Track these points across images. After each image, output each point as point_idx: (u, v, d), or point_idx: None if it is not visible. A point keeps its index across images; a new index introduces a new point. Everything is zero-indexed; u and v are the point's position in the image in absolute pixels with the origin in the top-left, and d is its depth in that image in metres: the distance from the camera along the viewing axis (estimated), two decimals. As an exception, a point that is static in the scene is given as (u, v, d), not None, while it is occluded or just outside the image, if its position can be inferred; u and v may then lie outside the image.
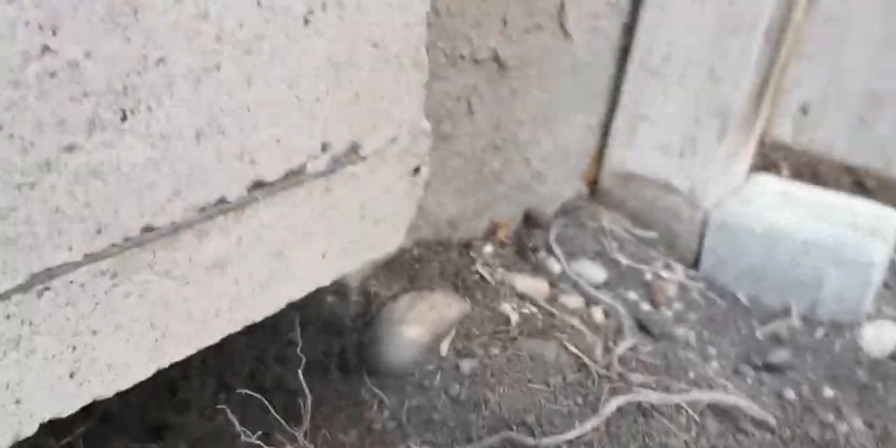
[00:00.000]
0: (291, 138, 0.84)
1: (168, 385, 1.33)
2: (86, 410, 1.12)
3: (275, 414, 1.03)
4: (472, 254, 1.44)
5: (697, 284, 1.60)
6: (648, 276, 1.61)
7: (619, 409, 1.10)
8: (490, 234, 1.55)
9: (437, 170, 1.35)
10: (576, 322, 1.35)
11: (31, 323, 0.67)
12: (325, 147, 0.88)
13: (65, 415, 0.74)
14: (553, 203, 1.71)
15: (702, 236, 1.70)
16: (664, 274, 1.63)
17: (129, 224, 0.71)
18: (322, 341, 1.35)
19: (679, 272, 1.67)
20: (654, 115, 1.69)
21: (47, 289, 0.67)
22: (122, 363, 0.77)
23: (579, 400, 1.15)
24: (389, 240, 1.06)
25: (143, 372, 0.80)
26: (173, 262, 0.77)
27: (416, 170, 1.04)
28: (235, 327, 0.88)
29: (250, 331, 1.42)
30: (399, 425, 1.17)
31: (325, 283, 0.99)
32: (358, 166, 0.94)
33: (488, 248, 1.48)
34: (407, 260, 1.37)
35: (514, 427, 1.12)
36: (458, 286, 1.35)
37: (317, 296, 1.35)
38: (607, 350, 1.27)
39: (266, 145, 0.81)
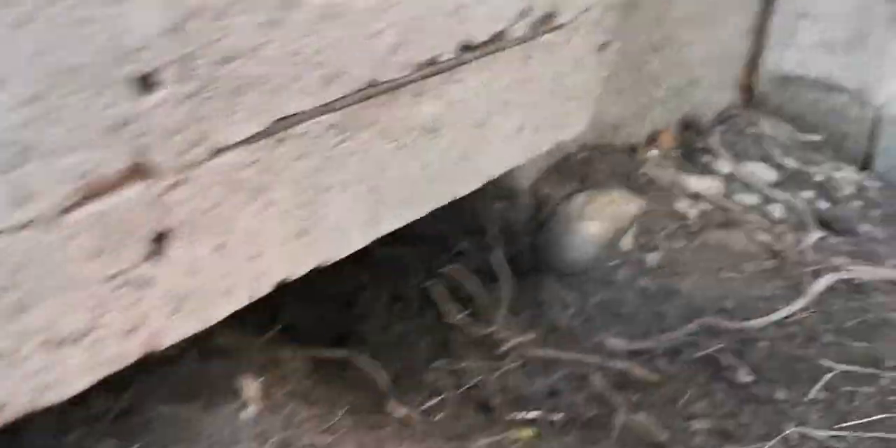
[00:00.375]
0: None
1: (344, 299, 1.34)
2: (270, 319, 1.14)
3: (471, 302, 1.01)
4: (638, 156, 1.40)
5: (874, 183, 1.52)
6: (820, 177, 1.53)
7: (829, 288, 1.05)
8: (652, 139, 1.49)
9: (603, 66, 1.30)
10: (756, 217, 1.29)
11: (272, 171, 0.67)
12: (525, 12, 0.85)
13: (294, 277, 0.74)
14: (709, 110, 1.64)
15: (872, 136, 1.61)
16: (836, 175, 1.55)
17: (357, 74, 0.70)
18: (493, 249, 1.33)
19: (851, 173, 1.58)
20: (816, 10, 1.59)
21: (285, 138, 0.67)
22: (345, 226, 0.77)
23: (779, 283, 1.10)
24: (577, 120, 1.03)
25: (360, 239, 0.79)
26: (393, 122, 0.76)
27: (604, 45, 1.00)
28: (442, 199, 0.87)
29: (418, 243, 1.42)
30: (586, 320, 1.15)
31: (521, 161, 0.96)
32: (554, 35, 0.90)
33: (653, 152, 1.43)
34: (574, 163, 1.33)
35: (713, 314, 1.07)
36: (631, 187, 1.31)
37: (483, 203, 1.33)
38: (797, 240, 1.21)
39: (475, 3, 0.78)
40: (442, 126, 0.81)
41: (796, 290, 1.08)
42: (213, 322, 0.69)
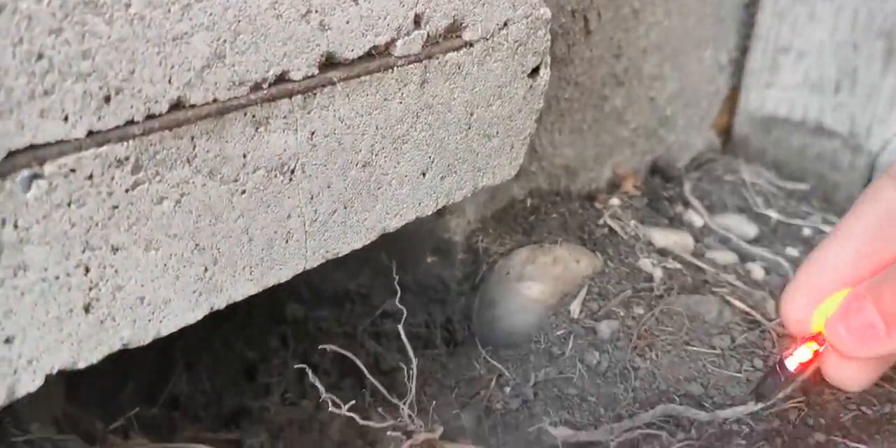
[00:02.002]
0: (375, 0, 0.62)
1: (244, 369, 1.14)
2: (148, 396, 0.93)
3: (379, 386, 0.81)
4: (596, 205, 1.21)
5: (871, 238, 1.32)
6: (807, 232, 1.34)
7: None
8: (614, 185, 1.30)
9: (551, 100, 1.12)
10: (731, 278, 1.10)
11: (16, 225, 0.47)
12: (418, 20, 0.67)
13: (81, 366, 0.54)
14: (682, 154, 1.46)
15: (866, 186, 1.42)
16: (825, 229, 1.35)
17: (152, 93, 0.51)
18: (422, 311, 1.13)
19: (842, 227, 1.39)
20: (800, 44, 1.42)
21: (37, 176, 0.47)
22: (160, 298, 0.57)
23: (758, 363, 0.89)
24: (504, 163, 0.84)
25: (190, 314, 0.59)
26: (222, 157, 0.57)
27: (535, 71, 0.82)
28: (313, 261, 0.67)
29: (336, 304, 1.22)
30: (525, 403, 0.94)
31: (428, 211, 0.77)
32: (461, 54, 0.72)
33: (615, 201, 1.24)
34: (520, 211, 1.14)
35: (677, 399, 0.87)
36: (585, 240, 1.12)
37: (413, 256, 1.14)
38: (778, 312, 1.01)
39: (342, 4, 0.60)
40: (303, 165, 0.62)
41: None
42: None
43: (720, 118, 1.53)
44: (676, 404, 0.87)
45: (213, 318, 1.20)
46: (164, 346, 1.14)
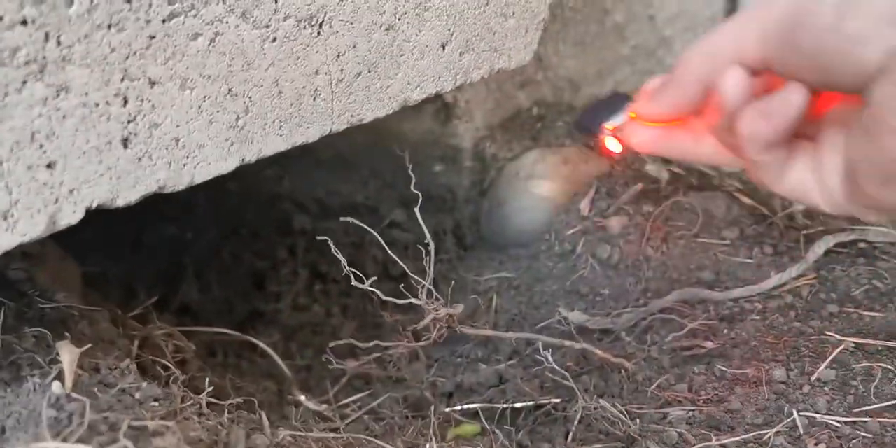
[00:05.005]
0: None
1: (253, 279, 1.14)
2: (159, 304, 0.93)
3: (402, 265, 0.82)
4: (600, 117, 1.21)
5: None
6: (806, 148, 1.36)
7: (829, 253, 0.86)
8: (616, 102, 1.31)
9: (555, 8, 1.12)
10: (736, 183, 1.10)
11: (59, 41, 0.47)
12: None
13: (120, 204, 0.54)
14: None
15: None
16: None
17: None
18: (431, 219, 1.13)
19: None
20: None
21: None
22: (194, 142, 0.56)
23: (768, 250, 0.90)
24: (519, 46, 0.84)
25: (222, 163, 0.59)
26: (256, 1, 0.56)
27: (550, -49, 0.82)
28: (338, 124, 0.67)
29: (345, 214, 1.22)
30: (539, 297, 0.95)
31: (448, 86, 0.77)
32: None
33: (617, 114, 1.24)
34: (527, 119, 1.14)
35: (691, 285, 0.88)
36: (591, 147, 1.12)
37: (420, 167, 1.14)
38: (785, 205, 1.02)
39: None
40: (330, 19, 0.62)
41: (789, 257, 0.89)
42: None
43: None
44: (689, 288, 0.88)
45: (220, 230, 1.20)
46: (171, 257, 1.14)
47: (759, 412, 0.67)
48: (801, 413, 0.65)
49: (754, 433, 0.64)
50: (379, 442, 0.63)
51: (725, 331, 0.81)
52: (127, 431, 0.49)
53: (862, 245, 0.86)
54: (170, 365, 0.65)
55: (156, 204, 1.09)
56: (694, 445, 0.64)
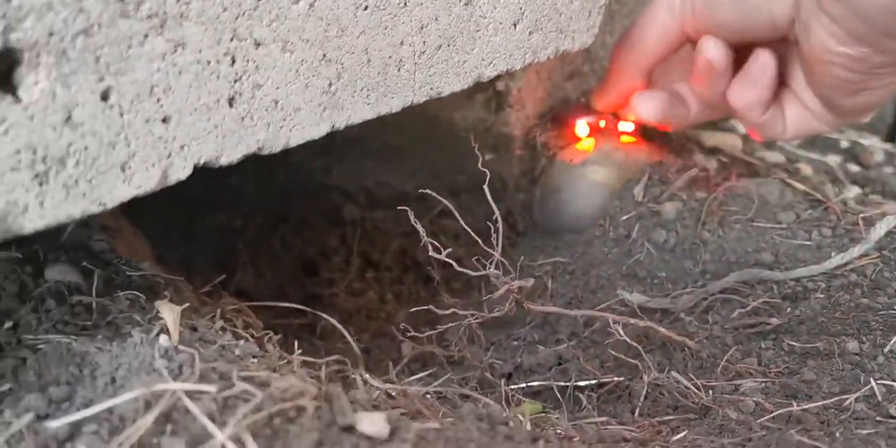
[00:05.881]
0: None
1: (304, 267, 1.15)
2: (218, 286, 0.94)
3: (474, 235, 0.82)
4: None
5: (906, 150, 1.35)
6: (845, 143, 1.37)
7: (889, 234, 0.87)
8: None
9: None
10: (783, 175, 1.11)
11: (180, -4, 0.48)
12: None
13: (223, 162, 0.55)
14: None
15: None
16: (864, 142, 1.38)
17: None
18: (481, 209, 1.14)
19: (878, 142, 1.42)
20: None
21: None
22: (291, 105, 0.58)
23: (826, 232, 0.91)
24: (582, 29, 0.85)
25: (315, 128, 0.61)
26: (352, -35, 0.58)
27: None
28: (420, 96, 0.68)
29: (393, 206, 1.23)
30: (597, 280, 0.96)
31: (516, 64, 0.78)
32: None
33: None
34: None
35: (750, 266, 0.89)
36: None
37: (470, 157, 1.15)
38: (839, 190, 1.03)
39: None
40: (417, -10, 0.63)
41: (849, 238, 0.89)
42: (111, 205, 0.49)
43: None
44: (749, 269, 0.88)
45: (268, 218, 1.21)
46: (224, 243, 1.16)
47: (835, 382, 0.68)
48: (879, 382, 0.66)
49: (834, 399, 0.65)
50: (476, 395, 0.64)
51: (789, 309, 0.82)
52: (237, 381, 0.49)
53: (924, 225, 0.87)
54: (254, 332, 0.66)
55: (205, 191, 1.11)
56: (773, 412, 0.65)
